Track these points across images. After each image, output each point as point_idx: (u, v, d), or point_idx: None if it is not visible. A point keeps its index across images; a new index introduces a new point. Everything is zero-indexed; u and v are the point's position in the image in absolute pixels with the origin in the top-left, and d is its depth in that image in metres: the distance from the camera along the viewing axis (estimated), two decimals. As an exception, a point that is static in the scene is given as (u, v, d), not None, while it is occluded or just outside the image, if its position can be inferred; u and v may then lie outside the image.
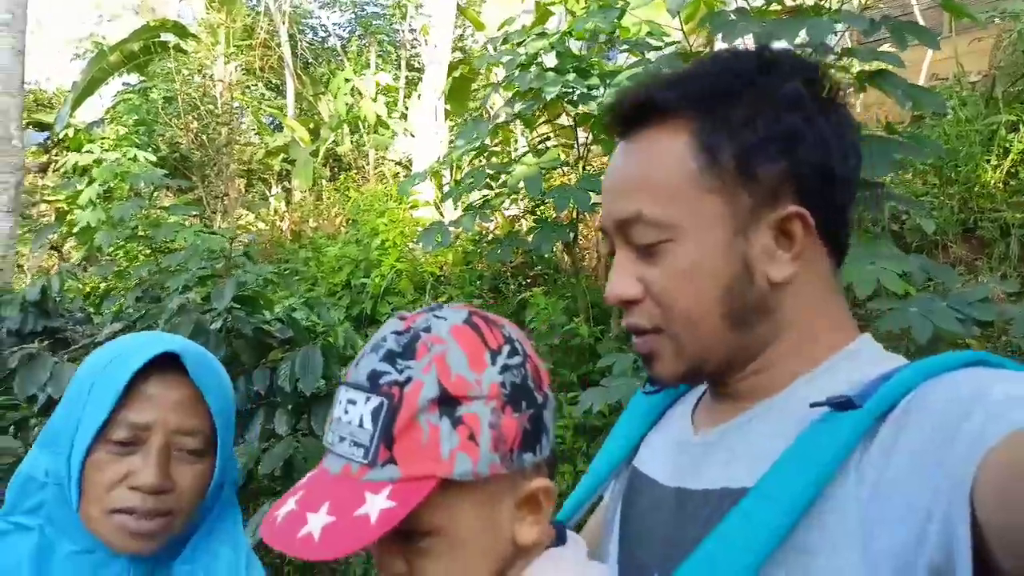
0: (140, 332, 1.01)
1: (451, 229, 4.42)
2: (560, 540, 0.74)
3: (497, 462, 0.64)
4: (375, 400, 0.62)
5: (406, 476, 0.61)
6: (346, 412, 0.64)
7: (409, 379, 0.62)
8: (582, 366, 4.41)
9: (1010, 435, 0.50)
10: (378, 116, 8.37)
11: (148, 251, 7.37)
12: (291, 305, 3.17)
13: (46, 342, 3.37)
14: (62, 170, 9.63)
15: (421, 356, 0.63)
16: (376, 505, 0.59)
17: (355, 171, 10.04)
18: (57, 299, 3.94)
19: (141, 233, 7.19)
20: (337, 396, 0.67)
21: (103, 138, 8.35)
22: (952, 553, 0.51)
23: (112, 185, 8.39)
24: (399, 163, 9.06)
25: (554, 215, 4.62)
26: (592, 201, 3.87)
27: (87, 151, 8.08)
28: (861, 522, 0.58)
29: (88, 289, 6.63)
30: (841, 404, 0.62)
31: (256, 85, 10.91)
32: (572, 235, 4.66)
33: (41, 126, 11.68)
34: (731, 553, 0.61)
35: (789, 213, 0.69)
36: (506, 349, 0.67)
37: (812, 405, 0.64)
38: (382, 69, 10.84)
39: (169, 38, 9.75)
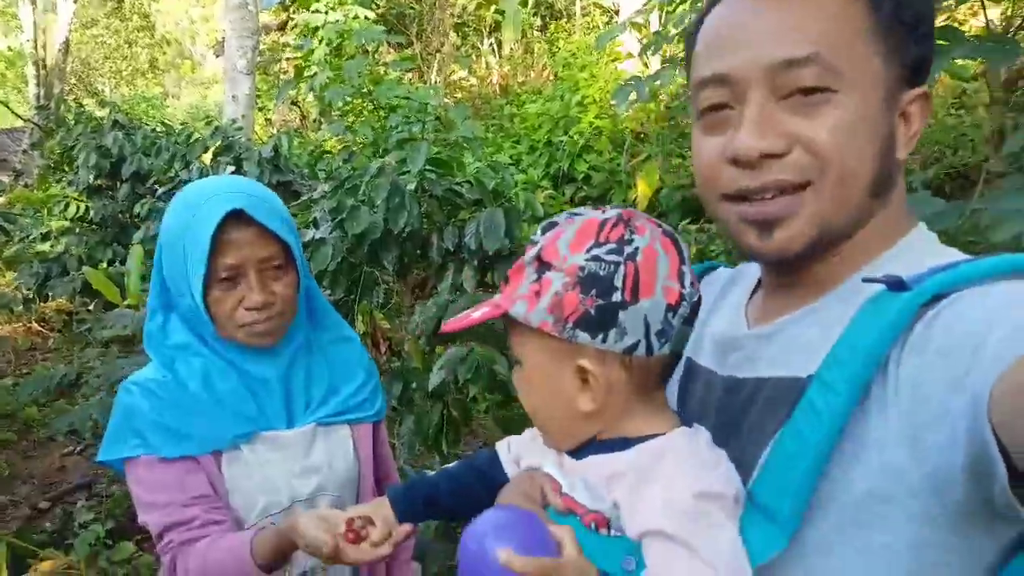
0: (207, 181, 1.27)
1: (652, 83, 4.27)
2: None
3: (549, 322, 0.75)
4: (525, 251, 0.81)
5: (496, 301, 0.80)
6: None
7: (537, 242, 0.78)
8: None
9: (1021, 359, 0.52)
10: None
11: (371, 107, 7.90)
12: (477, 168, 3.30)
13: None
14: (297, 29, 10.35)
15: (553, 229, 0.78)
16: (477, 314, 0.81)
17: (565, 19, 9.81)
18: (287, 156, 4.42)
19: (364, 90, 7.68)
20: None
21: (329, -4, 8.79)
22: (984, 453, 0.54)
23: (340, 43, 8.93)
24: (607, 10, 8.70)
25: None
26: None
27: (315, 11, 8.57)
28: (903, 417, 0.61)
29: (315, 146, 7.24)
30: (893, 284, 0.64)
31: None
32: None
33: (279, -15, 12.50)
34: (804, 448, 0.64)
35: (920, 93, 0.71)
36: (610, 247, 0.73)
37: (865, 280, 0.68)
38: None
39: None
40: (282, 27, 12.82)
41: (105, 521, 3.45)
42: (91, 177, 5.98)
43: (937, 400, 0.59)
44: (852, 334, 0.65)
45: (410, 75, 8.96)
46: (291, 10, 11.66)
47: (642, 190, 5.55)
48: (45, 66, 13.11)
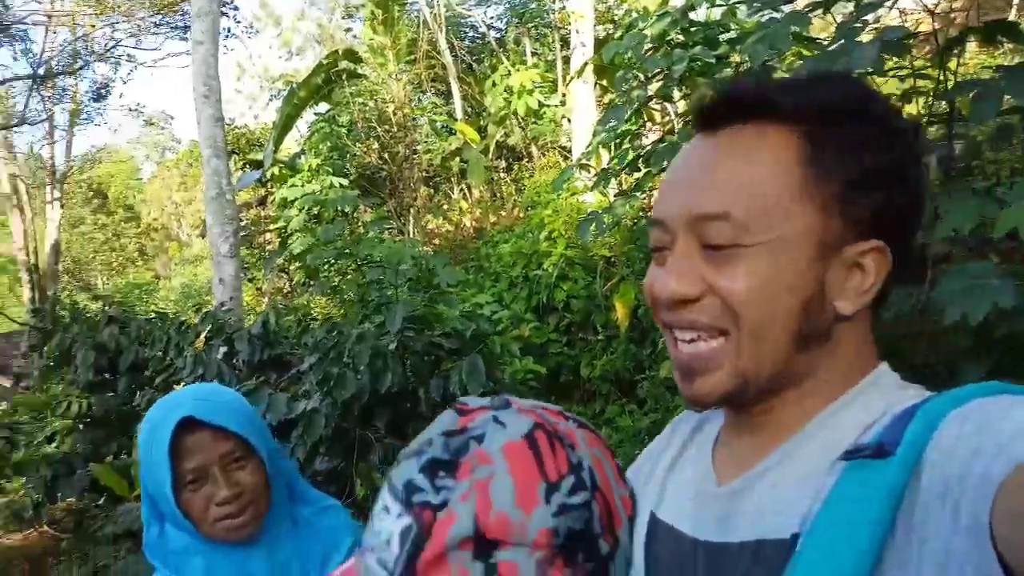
0: (164, 398, 1.38)
1: (608, 215, 4.59)
2: None
3: None
4: (405, 520, 0.55)
5: None
6: (381, 519, 0.57)
7: (444, 503, 0.54)
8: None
9: (1015, 470, 0.52)
10: (528, 107, 8.67)
11: (354, 266, 8.26)
12: (455, 318, 3.52)
13: (272, 373, 4.03)
14: (276, 202, 10.92)
15: (463, 476, 0.55)
16: None
17: (526, 159, 10.41)
18: (275, 330, 4.64)
19: (346, 251, 8.05)
20: (381, 491, 0.60)
21: (302, 170, 9.37)
22: None
23: (318, 211, 9.43)
24: (563, 148, 9.29)
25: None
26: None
27: (291, 185, 9.11)
28: (909, 572, 0.58)
29: (302, 312, 7.49)
30: (875, 453, 0.63)
31: (425, 94, 11.62)
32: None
33: (256, 164, 13.26)
34: None
35: (873, 247, 0.69)
36: (568, 482, 0.56)
37: (844, 456, 0.65)
38: (537, 55, 11.09)
39: (346, 65, 10.68)
40: (262, 202, 13.46)
41: None
42: (90, 374, 6.16)
43: (938, 542, 0.56)
44: (847, 496, 0.62)
45: (388, 232, 9.40)
46: (268, 184, 12.34)
47: (620, 311, 5.80)
48: (37, 269, 13.63)
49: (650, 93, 4.27)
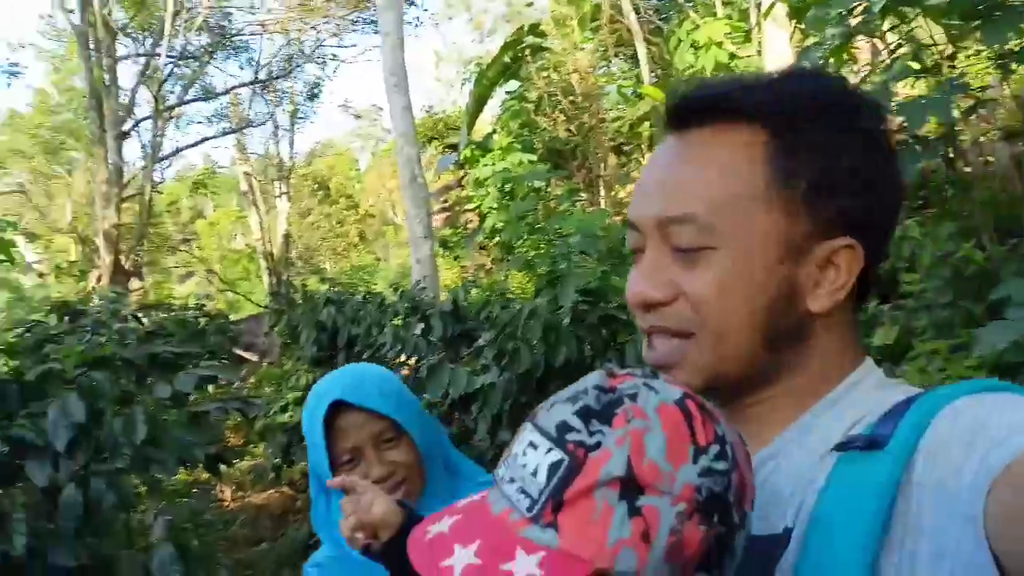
0: (322, 379, 1.40)
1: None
2: None
3: (665, 574, 0.56)
4: (556, 454, 0.58)
5: (563, 548, 0.56)
6: (524, 454, 0.61)
7: (598, 444, 0.57)
8: (987, 294, 3.87)
9: (1008, 467, 0.53)
10: (717, 61, 8.19)
11: (546, 240, 8.36)
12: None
13: (462, 348, 4.18)
14: (472, 182, 11.34)
15: (618, 425, 0.57)
16: (523, 568, 0.56)
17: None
18: (465, 307, 4.80)
19: (538, 226, 8.16)
20: (521, 431, 0.64)
21: (494, 150, 9.60)
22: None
23: (511, 188, 9.65)
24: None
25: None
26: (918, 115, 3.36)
27: (485, 165, 9.38)
28: (903, 565, 0.59)
29: (496, 288, 7.69)
30: (867, 445, 0.63)
31: (611, 62, 11.41)
32: (948, 148, 4.10)
33: (454, 147, 13.83)
34: None
35: (844, 245, 0.68)
36: (714, 450, 0.58)
37: (837, 448, 0.65)
38: (731, 4, 10.46)
39: (530, 41, 10.76)
40: (460, 183, 14.02)
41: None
42: (314, 350, 6.78)
43: (932, 536, 0.57)
44: (844, 488, 0.63)
45: (582, 203, 9.39)
46: (466, 166, 12.83)
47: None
48: (273, 258, 15.28)
49: (849, 30, 3.84)
